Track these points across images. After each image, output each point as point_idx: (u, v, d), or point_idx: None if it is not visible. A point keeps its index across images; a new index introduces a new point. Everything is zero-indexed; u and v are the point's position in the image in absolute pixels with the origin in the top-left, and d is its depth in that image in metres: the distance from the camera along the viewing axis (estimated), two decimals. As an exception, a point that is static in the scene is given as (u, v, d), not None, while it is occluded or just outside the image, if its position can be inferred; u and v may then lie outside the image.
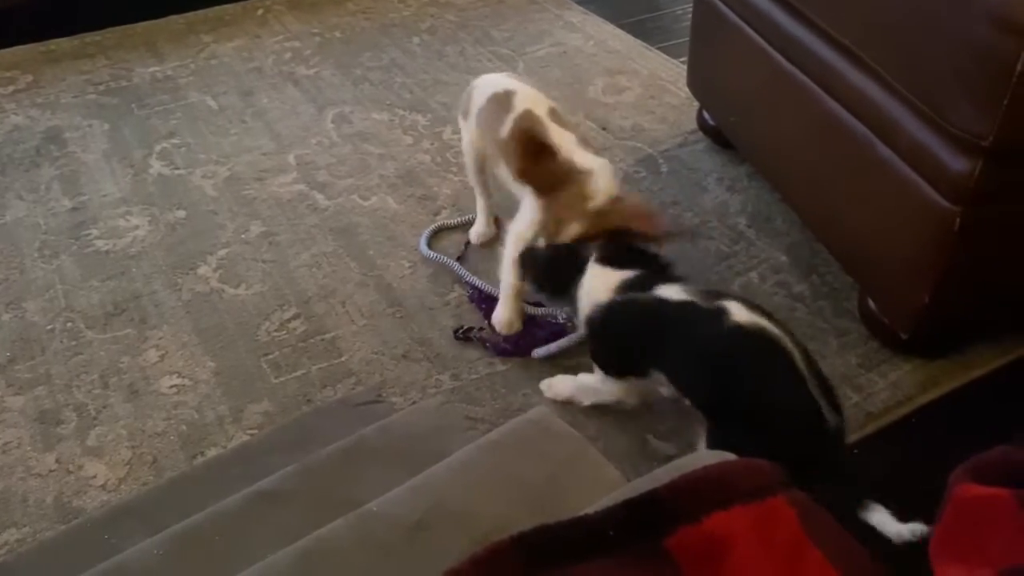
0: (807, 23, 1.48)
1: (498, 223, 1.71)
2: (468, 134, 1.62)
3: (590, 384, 1.34)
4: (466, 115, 1.61)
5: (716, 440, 1.14)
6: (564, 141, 1.44)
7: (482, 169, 1.65)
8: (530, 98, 1.51)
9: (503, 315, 1.50)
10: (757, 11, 1.62)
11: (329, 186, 1.91)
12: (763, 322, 1.14)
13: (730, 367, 1.13)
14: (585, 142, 1.48)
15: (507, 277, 1.49)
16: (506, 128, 1.48)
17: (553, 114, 1.50)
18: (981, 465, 0.52)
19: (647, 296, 1.22)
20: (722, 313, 1.14)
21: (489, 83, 1.58)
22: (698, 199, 1.84)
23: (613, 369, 1.30)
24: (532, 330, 1.51)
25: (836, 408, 1.11)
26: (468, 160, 1.67)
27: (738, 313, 1.14)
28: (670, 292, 1.21)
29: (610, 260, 1.30)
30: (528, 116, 1.47)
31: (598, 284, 1.29)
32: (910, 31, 1.24)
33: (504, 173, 1.53)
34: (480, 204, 1.72)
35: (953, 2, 1.14)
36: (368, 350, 1.50)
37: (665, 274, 1.29)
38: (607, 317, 1.27)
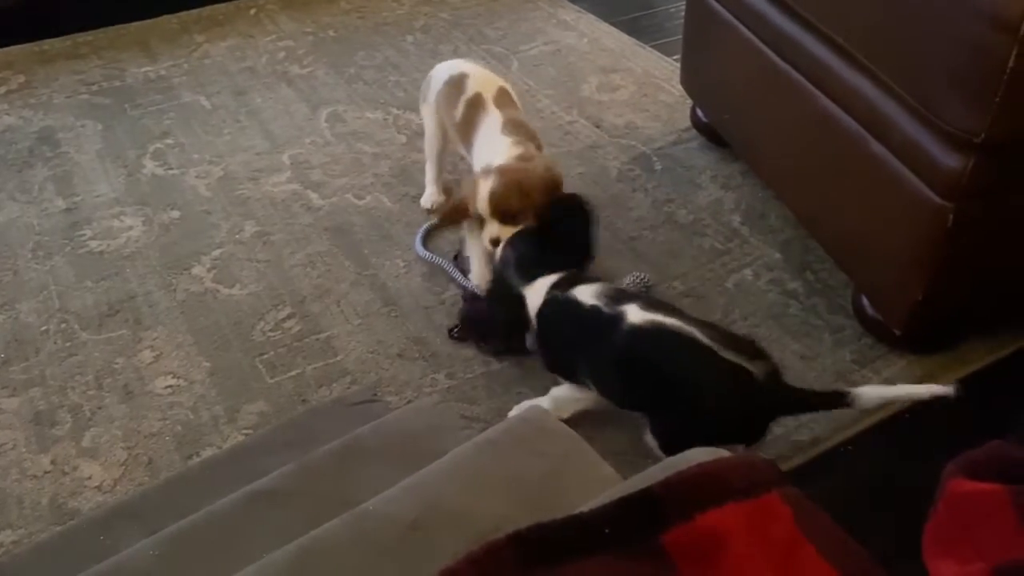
0: (800, 21, 1.48)
1: (448, 192, 1.82)
2: (428, 116, 1.75)
3: (562, 395, 1.34)
4: (426, 99, 1.73)
5: (657, 428, 1.21)
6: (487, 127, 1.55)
7: (443, 148, 1.77)
8: (480, 80, 1.63)
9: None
10: (750, 9, 1.62)
11: (323, 185, 1.91)
12: (659, 317, 1.19)
13: (635, 368, 1.20)
14: (515, 125, 1.54)
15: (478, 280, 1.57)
16: (459, 110, 1.60)
17: (501, 95, 1.60)
18: (974, 461, 0.52)
19: (566, 300, 1.27)
20: (619, 318, 1.20)
21: (445, 68, 1.71)
22: (692, 196, 1.84)
23: (562, 374, 1.33)
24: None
25: (759, 355, 1.17)
26: (429, 140, 1.78)
27: (634, 315, 1.19)
28: (583, 295, 1.26)
29: (531, 265, 1.34)
30: (476, 102, 1.58)
31: (533, 294, 1.32)
32: (902, 28, 1.24)
33: (463, 149, 1.66)
34: (431, 175, 1.82)
35: (946, 1, 1.15)
36: (363, 349, 1.50)
37: (583, 272, 1.34)
38: (540, 323, 1.31)
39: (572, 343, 1.26)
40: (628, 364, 1.20)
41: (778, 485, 0.59)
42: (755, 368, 1.15)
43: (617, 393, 1.25)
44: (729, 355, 1.14)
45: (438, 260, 1.66)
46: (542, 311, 1.30)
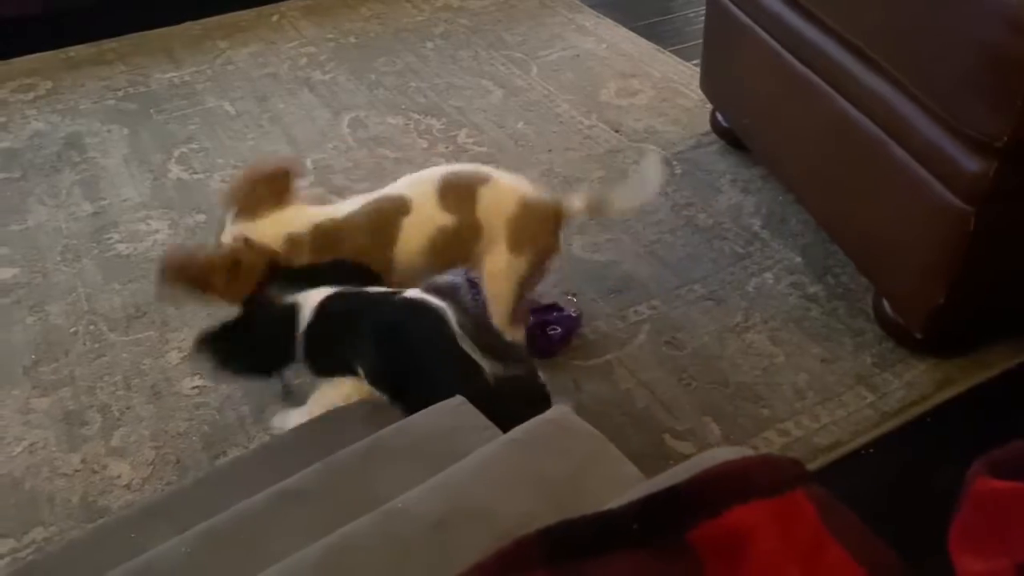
0: (820, 25, 1.49)
1: None
2: None
3: (324, 397, 1.25)
4: None
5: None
6: None
7: None
8: None
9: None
10: (770, 14, 1.63)
11: (345, 189, 1.92)
12: (424, 296, 1.14)
13: (387, 341, 1.13)
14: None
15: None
16: None
17: None
18: (999, 459, 0.53)
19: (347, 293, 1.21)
20: (395, 295, 1.15)
21: None
22: (712, 200, 1.85)
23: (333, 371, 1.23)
24: (547, 330, 1.52)
25: (509, 358, 1.11)
26: None
27: (408, 292, 1.15)
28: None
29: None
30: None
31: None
32: (923, 33, 1.24)
33: None
34: None
35: (966, 4, 1.15)
36: (386, 351, 1.52)
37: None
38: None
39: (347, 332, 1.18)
40: (385, 335, 1.14)
41: (803, 483, 0.60)
42: (489, 367, 1.08)
43: (374, 371, 1.17)
44: (466, 346, 1.08)
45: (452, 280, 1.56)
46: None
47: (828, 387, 1.43)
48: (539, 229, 1.34)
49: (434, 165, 1.96)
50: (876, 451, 1.34)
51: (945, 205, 1.26)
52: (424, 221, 1.30)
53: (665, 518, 0.58)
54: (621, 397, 1.41)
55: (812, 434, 1.35)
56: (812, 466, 1.30)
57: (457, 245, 1.32)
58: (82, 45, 2.57)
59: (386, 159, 2.03)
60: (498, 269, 1.34)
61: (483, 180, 1.32)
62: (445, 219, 1.30)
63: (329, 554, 0.75)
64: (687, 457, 1.29)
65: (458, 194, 1.31)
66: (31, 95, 2.34)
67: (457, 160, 2.01)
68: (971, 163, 1.20)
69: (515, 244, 1.32)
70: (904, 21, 1.28)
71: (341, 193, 1.91)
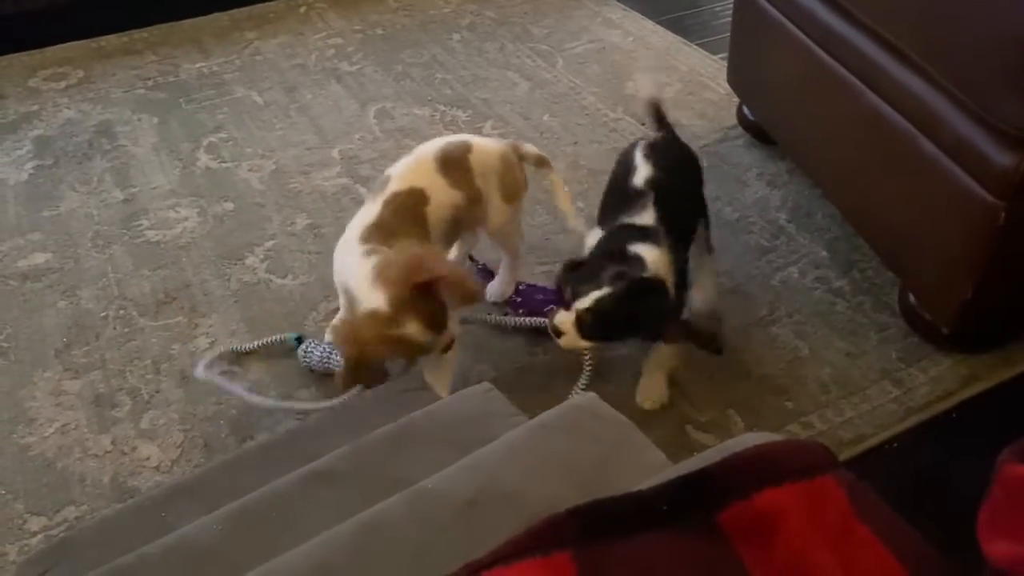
0: (849, 18, 1.48)
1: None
2: None
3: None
4: None
5: None
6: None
7: None
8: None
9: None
10: (798, 6, 1.62)
11: (372, 180, 1.94)
12: None
13: None
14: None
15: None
16: None
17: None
18: (1029, 446, 0.53)
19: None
20: None
21: None
22: (738, 194, 1.85)
23: None
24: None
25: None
26: None
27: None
28: None
29: None
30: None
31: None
32: (954, 24, 1.24)
33: None
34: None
35: (1000, -4, 1.15)
36: (411, 340, 1.53)
37: None
38: None
39: None
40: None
41: (833, 468, 0.60)
42: None
43: None
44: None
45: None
46: None
47: (853, 381, 1.43)
48: (518, 175, 1.48)
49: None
50: (900, 446, 1.34)
51: (975, 199, 1.25)
52: (443, 205, 1.36)
53: (695, 500, 0.59)
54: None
55: (836, 428, 1.35)
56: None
57: (470, 215, 1.43)
58: (113, 35, 2.60)
59: (412, 150, 2.03)
60: (503, 220, 1.47)
61: (467, 149, 1.42)
62: (456, 197, 1.38)
63: (362, 531, 0.77)
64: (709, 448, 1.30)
65: (457, 170, 1.39)
66: (63, 84, 2.37)
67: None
68: (1002, 157, 1.20)
69: (507, 195, 1.45)
70: (936, 15, 1.27)
71: (366, 183, 1.93)
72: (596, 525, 0.59)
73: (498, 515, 0.75)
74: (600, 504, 0.60)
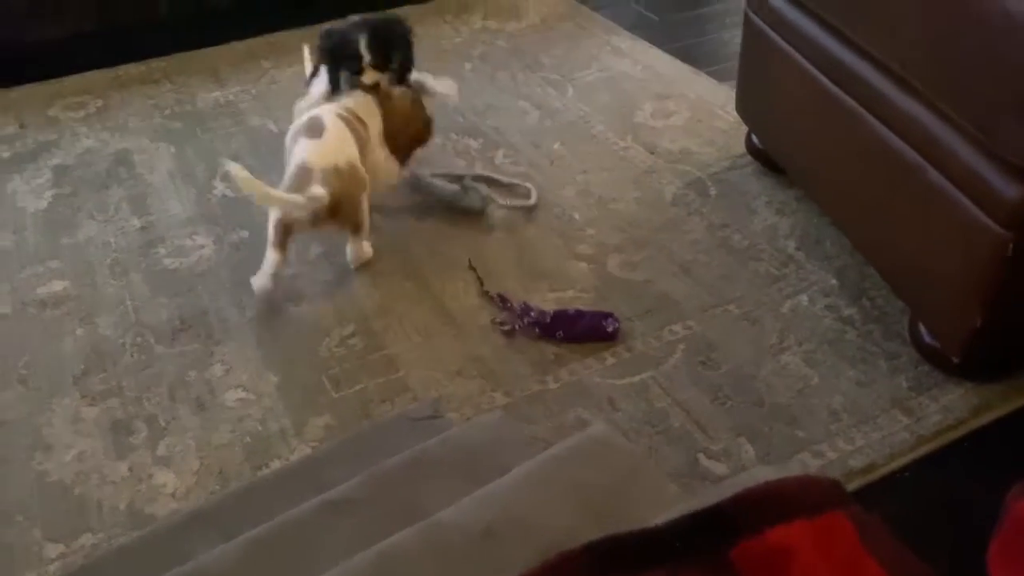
0: (856, 49, 1.50)
1: None
2: None
3: None
4: None
5: None
6: None
7: None
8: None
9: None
10: (806, 36, 1.64)
11: (385, 207, 1.96)
12: None
13: None
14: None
15: None
16: None
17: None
18: (1036, 484, 0.54)
19: None
20: None
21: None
22: (747, 222, 1.86)
23: None
24: (603, 322, 1.59)
25: None
26: None
27: None
28: None
29: None
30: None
31: None
32: (960, 55, 1.25)
33: None
34: None
35: (1006, 27, 1.16)
36: (423, 366, 1.55)
37: None
38: None
39: None
40: None
41: (843, 504, 0.61)
42: None
43: None
44: None
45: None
46: None
47: (863, 410, 1.44)
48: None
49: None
50: (911, 475, 1.34)
51: (983, 230, 1.26)
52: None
53: (708, 535, 0.60)
54: (656, 416, 1.43)
55: (847, 456, 1.36)
56: (847, 488, 1.31)
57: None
58: (131, 64, 2.65)
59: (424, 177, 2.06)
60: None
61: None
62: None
63: (379, 562, 0.78)
64: (721, 477, 1.30)
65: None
66: (82, 113, 2.42)
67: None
68: (1010, 189, 1.21)
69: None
70: (943, 46, 1.29)
71: (379, 210, 1.95)
72: (610, 560, 0.61)
73: (513, 546, 0.77)
74: (614, 539, 0.61)
